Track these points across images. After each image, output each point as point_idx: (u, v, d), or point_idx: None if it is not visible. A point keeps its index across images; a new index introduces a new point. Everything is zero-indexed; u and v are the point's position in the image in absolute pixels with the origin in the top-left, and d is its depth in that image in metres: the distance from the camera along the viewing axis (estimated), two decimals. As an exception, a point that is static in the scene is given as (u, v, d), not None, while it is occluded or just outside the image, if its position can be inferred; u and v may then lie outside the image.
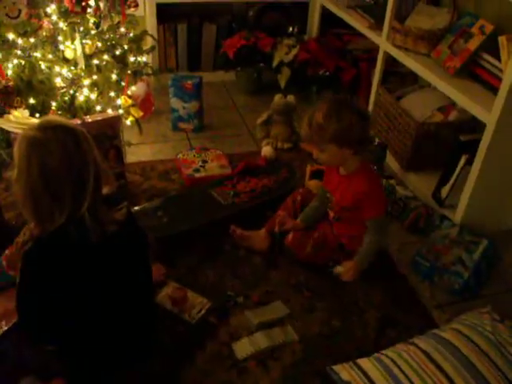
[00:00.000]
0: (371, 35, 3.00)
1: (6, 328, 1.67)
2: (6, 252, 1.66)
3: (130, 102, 2.76)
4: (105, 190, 1.53)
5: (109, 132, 2.44)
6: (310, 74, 3.41)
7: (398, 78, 3.27)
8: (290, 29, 3.78)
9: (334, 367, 1.70)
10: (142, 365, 1.70)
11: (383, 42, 2.85)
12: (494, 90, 2.18)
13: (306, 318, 1.97)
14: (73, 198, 1.38)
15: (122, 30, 2.75)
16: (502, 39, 2.21)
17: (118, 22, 2.80)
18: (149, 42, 3.33)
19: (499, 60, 2.24)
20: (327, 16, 3.65)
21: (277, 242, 2.24)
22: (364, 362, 1.69)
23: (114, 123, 2.46)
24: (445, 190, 2.49)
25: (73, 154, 1.38)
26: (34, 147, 1.37)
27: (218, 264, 2.17)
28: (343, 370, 1.68)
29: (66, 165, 1.37)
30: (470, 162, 2.32)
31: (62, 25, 2.42)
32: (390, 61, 3.14)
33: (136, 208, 2.28)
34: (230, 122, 3.33)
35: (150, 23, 3.45)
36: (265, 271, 2.16)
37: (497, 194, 2.36)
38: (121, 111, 2.70)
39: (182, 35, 3.61)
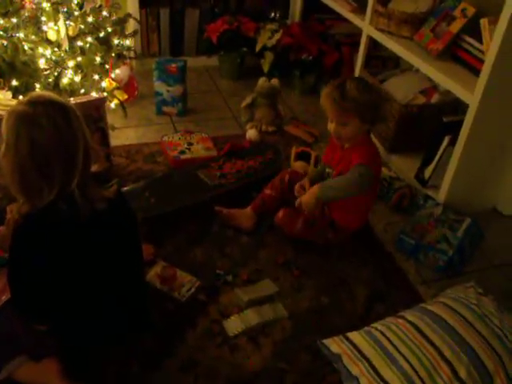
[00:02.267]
0: (354, 19, 3.02)
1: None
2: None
3: (114, 84, 2.75)
4: (94, 168, 1.54)
5: (94, 114, 2.43)
6: (292, 59, 3.42)
7: (380, 62, 3.31)
8: (273, 14, 3.78)
9: (324, 341, 1.73)
10: (133, 341, 1.71)
11: (366, 26, 2.87)
12: (476, 72, 2.22)
13: (295, 295, 2.00)
14: (62, 175, 1.37)
15: (105, 13, 2.73)
16: (483, 21, 2.25)
17: (101, 6, 2.79)
18: (131, 27, 3.32)
19: (481, 42, 2.27)
20: (309, 1, 3.67)
21: (265, 222, 2.26)
22: (354, 335, 1.72)
23: (98, 105, 2.44)
24: (428, 171, 2.53)
25: (63, 130, 1.37)
26: (23, 122, 1.36)
27: (206, 244, 2.18)
28: (333, 344, 1.71)
29: (55, 141, 1.36)
30: (452, 143, 2.36)
31: (45, 5, 2.40)
32: (372, 45, 3.18)
33: (123, 189, 2.27)
34: (213, 105, 3.33)
35: (133, 7, 3.42)
36: (253, 250, 2.18)
37: (479, 174, 2.40)
38: (105, 94, 2.69)
39: (165, 19, 3.59)
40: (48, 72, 2.47)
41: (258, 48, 3.44)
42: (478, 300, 1.76)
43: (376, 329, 1.71)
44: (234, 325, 1.84)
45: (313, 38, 3.43)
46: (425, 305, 1.81)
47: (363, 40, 2.93)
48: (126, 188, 2.30)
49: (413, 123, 2.72)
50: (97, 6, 2.76)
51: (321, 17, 3.66)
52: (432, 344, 1.61)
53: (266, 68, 3.43)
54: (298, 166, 2.60)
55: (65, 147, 1.38)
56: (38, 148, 1.35)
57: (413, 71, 3.02)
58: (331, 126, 2.04)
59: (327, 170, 2.21)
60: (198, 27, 3.67)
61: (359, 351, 1.65)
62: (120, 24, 2.84)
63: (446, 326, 1.65)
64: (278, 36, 3.41)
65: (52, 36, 2.50)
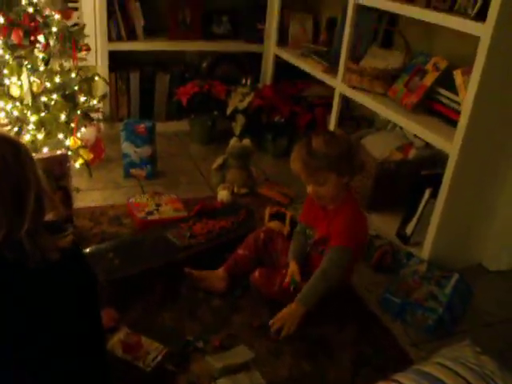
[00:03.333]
0: (326, 78, 2.99)
1: None
2: None
3: (79, 143, 2.62)
4: (50, 217, 1.37)
5: (56, 171, 2.29)
6: (264, 121, 3.36)
7: (354, 122, 3.27)
8: (244, 80, 3.75)
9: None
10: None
11: (339, 84, 2.84)
12: (453, 123, 2.17)
13: (273, 361, 1.80)
14: (8, 218, 1.21)
15: (73, 75, 2.64)
16: (456, 73, 2.22)
17: (69, 70, 2.69)
18: (101, 89, 3.24)
19: (456, 93, 2.24)
20: (280, 66, 3.67)
21: (240, 284, 2.10)
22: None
23: (60, 161, 2.30)
24: (410, 227, 2.42)
25: (11, 168, 1.21)
26: None
27: (175, 307, 1.99)
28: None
29: (1, 178, 1.21)
30: (434, 195, 2.26)
31: (8, 57, 2.30)
32: (345, 106, 3.15)
33: (85, 250, 2.09)
34: (183, 169, 3.21)
35: (102, 70, 3.35)
36: (226, 314, 1.99)
37: (463, 228, 2.30)
38: (70, 153, 2.56)
39: (135, 83, 3.53)
40: (8, 128, 2.33)
41: (229, 111, 3.38)
42: (477, 359, 1.59)
43: (366, 395, 1.52)
44: (205, 397, 1.64)
45: (285, 99, 3.40)
46: (419, 366, 1.62)
47: (336, 98, 2.89)
48: (88, 249, 2.11)
49: (391, 180, 2.64)
50: (65, 69, 2.67)
51: (292, 81, 3.64)
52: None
53: (237, 131, 3.36)
54: (272, 225, 2.46)
55: (12, 187, 1.22)
56: None
57: (388, 129, 2.98)
58: (309, 189, 1.92)
59: (307, 231, 2.07)
60: (169, 92, 3.63)
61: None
62: (87, 82, 2.75)
63: (445, 388, 1.47)
64: (249, 98, 3.36)
65: (14, 91, 2.39)
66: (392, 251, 2.35)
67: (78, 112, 2.60)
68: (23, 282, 1.26)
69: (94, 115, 2.90)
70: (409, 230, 2.42)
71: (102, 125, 3.22)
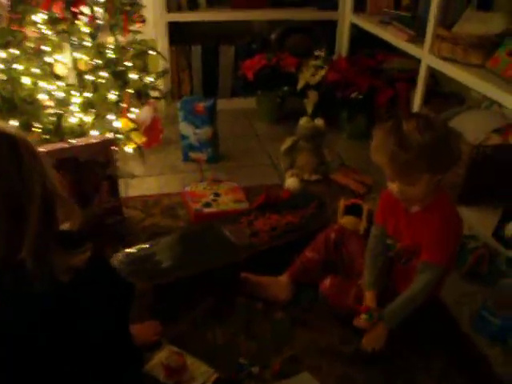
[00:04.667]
0: (411, 48, 2.59)
1: None
2: None
3: (131, 125, 2.38)
4: (66, 226, 1.12)
5: (101, 159, 2.06)
6: (339, 98, 2.99)
7: (441, 99, 2.83)
8: (316, 52, 3.38)
9: None
10: None
11: (426, 55, 2.44)
12: None
13: (343, 394, 1.50)
14: (4, 235, 0.96)
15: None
16: None
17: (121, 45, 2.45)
18: (160, 65, 2.98)
19: None
20: (357, 36, 3.28)
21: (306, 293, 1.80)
22: None
23: (106, 148, 2.06)
24: (510, 227, 2.02)
25: (5, 168, 0.96)
26: None
27: (230, 320, 1.73)
28: None
29: None
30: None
31: (49, 33, 2.06)
32: (432, 81, 2.75)
33: (128, 250, 1.85)
34: (249, 151, 2.92)
35: (161, 44, 3.10)
36: (289, 330, 1.70)
37: None
38: (120, 136, 2.33)
39: (197, 57, 3.27)
40: (52, 110, 2.12)
41: (300, 86, 3.04)
42: None
43: None
44: None
45: (363, 73, 3.01)
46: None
47: (422, 71, 2.49)
48: (130, 249, 1.87)
49: (487, 168, 2.23)
50: (119, 44, 2.42)
51: (371, 51, 3.24)
52: None
53: (309, 109, 3.03)
54: (347, 221, 2.14)
55: (7, 192, 0.96)
56: None
57: (482, 108, 2.55)
58: (393, 187, 1.53)
59: (388, 241, 1.71)
60: (234, 66, 3.33)
61: None
62: (141, 57, 2.50)
63: None
64: (322, 72, 3.01)
65: (59, 70, 2.17)
66: (489, 256, 1.97)
67: (130, 90, 2.35)
68: (26, 316, 1.01)
69: (153, 93, 2.66)
70: (509, 230, 2.02)
71: (161, 103, 2.99)
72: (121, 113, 2.34)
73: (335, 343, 1.65)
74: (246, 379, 1.52)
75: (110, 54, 2.35)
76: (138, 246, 1.90)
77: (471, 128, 2.38)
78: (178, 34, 3.19)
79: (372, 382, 1.54)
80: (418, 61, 2.54)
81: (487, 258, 1.98)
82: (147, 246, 1.91)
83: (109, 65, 2.33)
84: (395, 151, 1.41)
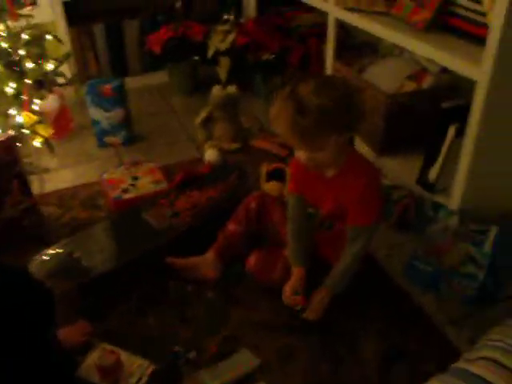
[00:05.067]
0: (317, 3, 2.52)
1: None
2: None
3: (34, 118, 2.23)
4: None
5: (5, 158, 1.91)
6: (252, 61, 2.91)
7: (354, 51, 2.79)
8: (226, 16, 3.27)
9: None
10: None
11: (332, 8, 2.37)
12: (479, 40, 1.72)
13: (284, 367, 1.47)
14: None
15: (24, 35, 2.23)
16: (478, -25, 1.76)
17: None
18: (63, 49, 2.80)
19: (478, 1, 1.78)
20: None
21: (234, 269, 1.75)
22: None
23: (10, 146, 1.92)
24: (433, 172, 2.02)
25: None
26: None
27: (160, 309, 1.65)
28: None
29: None
30: (460, 133, 1.85)
31: None
32: (343, 33, 2.70)
33: (46, 251, 1.74)
34: (165, 128, 2.81)
35: (60, 27, 2.91)
36: (222, 309, 1.65)
37: (500, 167, 1.88)
38: (25, 131, 2.18)
39: (100, 37, 3.09)
40: None
41: (210, 54, 2.94)
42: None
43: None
44: (202, 427, 1.31)
45: (272, 33, 2.93)
46: (464, 364, 1.27)
47: (331, 25, 2.43)
48: (49, 250, 1.75)
49: (405, 116, 2.21)
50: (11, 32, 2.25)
51: (279, 10, 3.16)
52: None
53: (223, 76, 2.93)
54: (271, 187, 2.09)
55: None
56: None
57: (395, 55, 2.53)
58: (300, 155, 1.45)
59: (309, 210, 1.65)
60: (140, 41, 3.17)
61: None
62: (36, 44, 2.33)
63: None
64: (231, 37, 2.90)
65: None
66: (415, 204, 1.97)
67: (28, 81, 2.19)
68: None
69: (60, 80, 2.51)
70: (432, 175, 2.02)
71: (70, 90, 2.82)
72: (22, 106, 2.19)
73: (269, 317, 1.61)
74: (184, 366, 1.46)
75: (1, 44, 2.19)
76: (56, 245, 1.79)
77: (385, 77, 2.36)
78: (76, 13, 2.99)
79: (312, 350, 1.51)
80: (326, 14, 2.48)
81: (413, 207, 1.98)
82: (66, 243, 1.80)
83: (1, 56, 2.16)
84: (294, 118, 1.33)
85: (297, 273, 1.58)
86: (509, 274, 1.74)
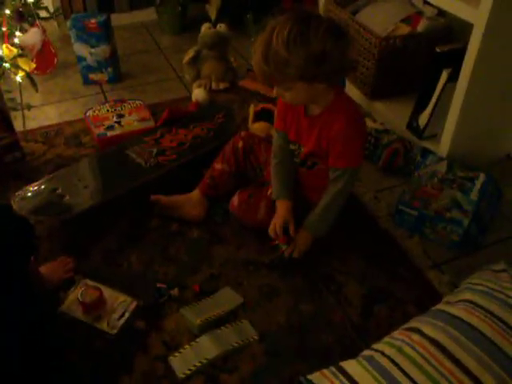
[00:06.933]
0: None
1: None
2: None
3: (15, 51, 2.16)
4: None
5: (-18, 93, 1.86)
6: (243, -2, 2.82)
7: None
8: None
9: (311, 377, 1.21)
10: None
11: None
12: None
13: (267, 305, 1.47)
14: None
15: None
16: None
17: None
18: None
19: None
20: None
21: (219, 208, 1.74)
22: (350, 365, 1.20)
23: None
24: (423, 117, 2.00)
25: None
26: None
27: (145, 245, 1.65)
28: (323, 380, 1.19)
29: None
30: (452, 78, 1.82)
31: None
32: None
33: (29, 187, 1.71)
34: (153, 66, 2.74)
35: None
36: (205, 248, 1.65)
37: (490, 115, 1.87)
38: (6, 65, 2.11)
39: (85, -32, 2.97)
40: None
41: (200, -9, 2.84)
42: (518, 292, 1.25)
43: (382, 353, 1.19)
44: (184, 361, 1.32)
45: (265, -30, 2.83)
46: (444, 306, 1.29)
47: (325, -38, 2.35)
48: (31, 186, 1.72)
49: (397, 60, 2.18)
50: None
51: None
52: (465, 369, 1.10)
53: (213, 14, 2.85)
54: (258, 127, 2.06)
55: None
56: None
57: (389, -3, 2.46)
58: (274, 91, 1.45)
59: (291, 146, 1.61)
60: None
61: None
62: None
63: (482, 339, 1.14)
64: (222, -27, 2.80)
65: None
66: (404, 149, 1.95)
67: (7, 11, 2.10)
68: None
69: (42, 14, 2.42)
70: (422, 120, 2.00)
71: (53, 24, 2.74)
72: (2, 38, 2.11)
73: (253, 256, 1.60)
74: (167, 303, 1.47)
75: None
76: (39, 181, 1.75)
77: (379, 19, 2.30)
78: None
79: (294, 289, 1.51)
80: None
81: (402, 151, 1.96)
82: (49, 179, 1.77)
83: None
84: (259, 63, 1.34)
85: (282, 206, 1.58)
86: (492, 221, 1.76)
